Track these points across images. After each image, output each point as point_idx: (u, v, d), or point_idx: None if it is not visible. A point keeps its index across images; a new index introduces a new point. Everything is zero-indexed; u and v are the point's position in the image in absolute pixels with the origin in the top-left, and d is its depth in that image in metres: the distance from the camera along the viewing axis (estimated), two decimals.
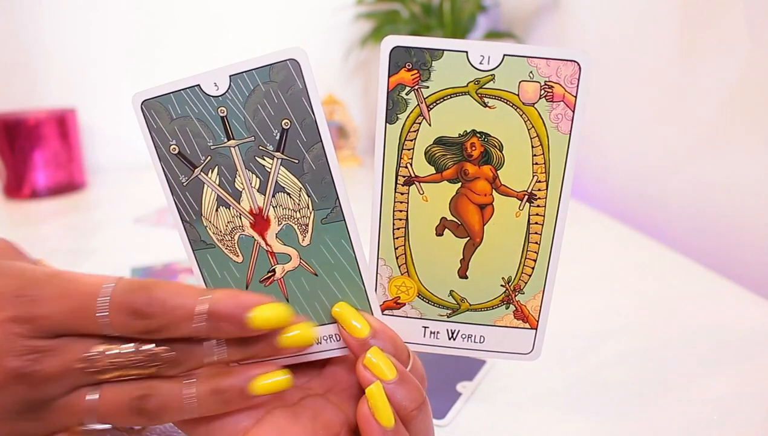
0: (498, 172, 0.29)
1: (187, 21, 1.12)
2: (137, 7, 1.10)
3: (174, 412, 0.26)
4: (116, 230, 0.78)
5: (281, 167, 0.29)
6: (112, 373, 0.26)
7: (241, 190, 0.29)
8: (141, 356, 0.26)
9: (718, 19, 0.66)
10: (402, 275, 0.31)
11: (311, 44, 1.15)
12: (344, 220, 0.29)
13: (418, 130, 0.29)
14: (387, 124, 0.29)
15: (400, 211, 0.30)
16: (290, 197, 0.29)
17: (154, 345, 0.26)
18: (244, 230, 0.30)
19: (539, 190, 0.29)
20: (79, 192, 0.98)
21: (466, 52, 0.28)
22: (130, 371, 0.26)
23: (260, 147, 0.29)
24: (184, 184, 0.29)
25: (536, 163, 0.29)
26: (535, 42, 1.04)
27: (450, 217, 0.30)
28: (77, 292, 0.26)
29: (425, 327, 0.32)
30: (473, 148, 0.29)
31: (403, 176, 0.29)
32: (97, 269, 0.65)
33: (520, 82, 0.28)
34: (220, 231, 0.30)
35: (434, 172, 0.29)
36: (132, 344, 0.26)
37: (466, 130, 0.29)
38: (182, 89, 0.28)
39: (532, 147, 0.29)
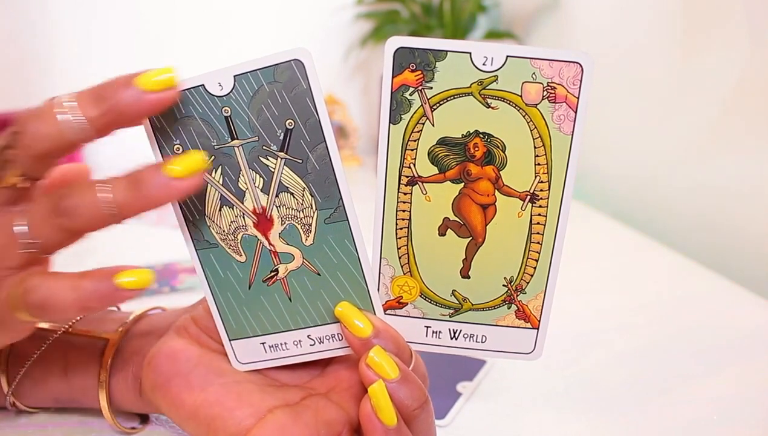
0: (501, 172, 0.29)
1: (188, 21, 1.12)
2: (138, 7, 1.10)
3: (97, 207, 0.26)
4: (116, 230, 0.78)
5: (285, 167, 0.29)
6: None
7: (244, 189, 0.29)
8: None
9: (718, 19, 0.66)
10: (404, 274, 0.31)
11: (311, 44, 1.15)
12: (347, 220, 0.29)
13: (421, 130, 0.29)
14: (390, 124, 0.29)
15: (403, 211, 0.30)
16: (294, 197, 0.29)
17: None
18: (247, 230, 0.30)
19: (541, 190, 0.29)
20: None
21: (470, 53, 0.28)
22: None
23: (264, 147, 0.29)
24: None
25: (538, 164, 0.29)
26: (535, 42, 1.04)
27: (453, 217, 0.30)
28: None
29: (427, 327, 0.32)
30: (476, 149, 0.29)
31: (407, 176, 0.30)
32: None
33: (523, 84, 0.28)
34: (223, 231, 0.30)
35: (437, 172, 0.29)
36: None
37: (469, 131, 0.29)
38: (186, 89, 0.28)
39: (535, 148, 0.29)
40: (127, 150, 1.15)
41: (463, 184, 0.30)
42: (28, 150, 0.26)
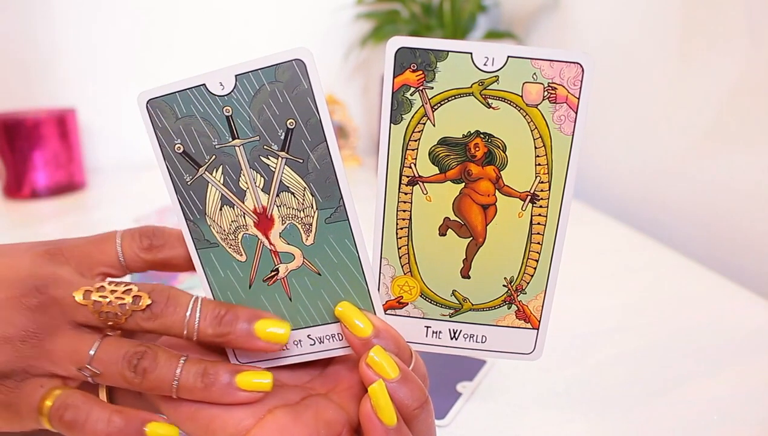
0: (501, 172, 0.29)
1: (188, 20, 1.12)
2: (138, 6, 1.10)
3: (161, 380, 0.28)
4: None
5: (286, 167, 0.29)
6: (95, 312, 0.28)
7: (245, 189, 0.29)
8: (125, 296, 0.28)
9: (718, 19, 0.66)
10: (405, 274, 0.31)
11: (311, 44, 1.15)
12: (348, 219, 0.30)
13: (422, 130, 0.29)
14: (391, 124, 0.29)
15: (404, 211, 0.30)
16: (294, 197, 0.29)
17: (138, 288, 0.29)
18: (247, 229, 0.30)
19: (542, 190, 0.29)
20: (79, 192, 0.98)
21: (471, 53, 0.28)
22: (110, 308, 0.28)
23: (265, 146, 0.29)
24: (189, 183, 0.29)
25: (539, 164, 0.29)
26: (535, 42, 1.04)
27: (453, 217, 0.30)
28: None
29: (428, 327, 0.32)
30: (477, 149, 0.29)
31: (407, 176, 0.30)
32: None
33: (523, 84, 0.28)
34: (224, 230, 0.30)
35: (438, 172, 0.30)
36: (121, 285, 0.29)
37: (469, 131, 0.29)
38: (188, 88, 0.28)
39: (535, 148, 0.29)
40: (128, 149, 1.15)
41: (463, 184, 0.30)
42: (147, 322, 0.29)
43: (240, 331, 0.29)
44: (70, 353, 0.28)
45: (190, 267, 0.31)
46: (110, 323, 0.29)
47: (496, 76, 0.28)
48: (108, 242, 0.31)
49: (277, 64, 0.28)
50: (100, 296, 0.28)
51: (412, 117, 0.29)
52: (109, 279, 0.30)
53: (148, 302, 0.28)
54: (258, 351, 0.30)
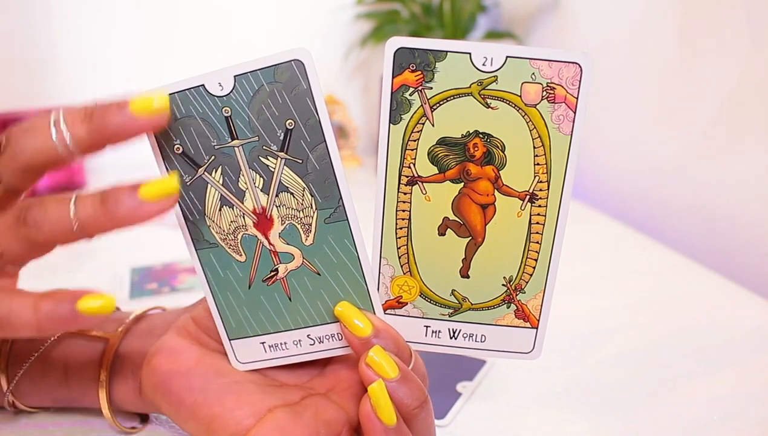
0: (500, 172, 0.29)
1: (188, 21, 1.12)
2: (138, 6, 1.10)
3: (58, 223, 0.26)
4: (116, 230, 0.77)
5: (285, 167, 0.29)
6: None
7: (244, 189, 0.29)
8: None
9: (718, 19, 0.66)
10: (404, 274, 0.31)
11: (311, 44, 1.15)
12: (347, 219, 0.30)
13: (421, 130, 0.29)
14: (390, 124, 0.29)
15: (403, 210, 0.30)
16: (294, 197, 0.29)
17: None
18: (247, 230, 0.30)
19: (541, 190, 0.29)
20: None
21: (470, 53, 0.28)
22: None
23: (264, 147, 0.29)
24: (188, 183, 0.29)
25: (538, 164, 0.29)
26: (535, 42, 1.04)
27: (452, 217, 0.30)
28: None
29: (427, 326, 0.32)
30: (476, 149, 0.29)
31: (406, 176, 0.30)
32: (97, 269, 0.65)
33: (522, 84, 0.28)
34: (223, 230, 0.30)
35: (437, 172, 0.30)
36: None
37: (468, 131, 0.29)
38: (186, 89, 0.28)
39: (534, 148, 0.29)
40: (128, 149, 1.15)
41: (462, 184, 0.30)
42: (13, 162, 0.26)
43: (116, 116, 0.25)
44: None
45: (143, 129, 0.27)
46: None
47: (494, 76, 0.28)
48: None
49: (276, 65, 0.28)
50: None
51: (411, 117, 0.29)
52: None
53: (2, 140, 0.26)
54: (142, 127, 0.26)
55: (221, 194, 0.30)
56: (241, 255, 0.30)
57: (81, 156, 0.26)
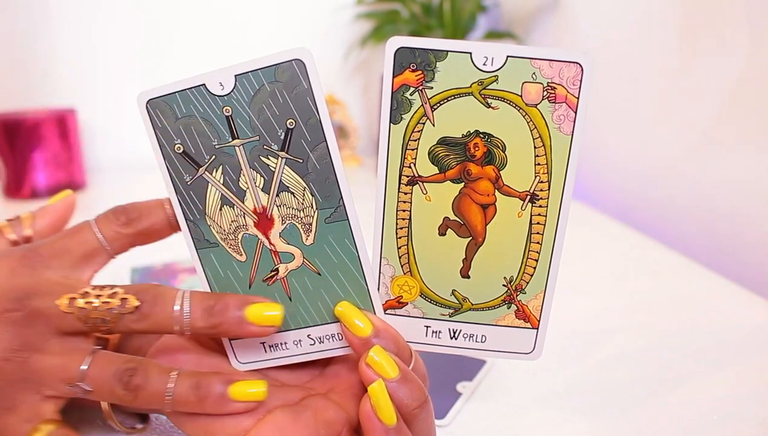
0: (501, 172, 0.29)
1: (188, 20, 1.12)
2: (138, 6, 1.10)
3: (154, 395, 0.27)
4: None
5: (285, 167, 0.29)
6: (82, 318, 0.27)
7: (245, 189, 0.29)
8: (112, 299, 0.28)
9: (717, 19, 0.66)
10: (404, 274, 0.31)
11: (311, 44, 1.15)
12: (348, 219, 0.30)
13: (421, 130, 0.29)
14: (391, 124, 0.29)
15: (404, 210, 0.30)
16: (294, 197, 0.29)
17: (123, 290, 0.28)
18: (247, 229, 0.30)
19: (541, 190, 0.29)
20: (79, 192, 0.98)
21: (470, 53, 0.28)
22: (98, 314, 0.27)
23: (265, 146, 0.29)
24: (189, 183, 0.29)
25: (538, 164, 0.29)
26: (535, 42, 1.04)
27: (453, 217, 0.30)
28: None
29: (427, 326, 0.32)
30: (476, 149, 0.29)
31: (407, 176, 0.30)
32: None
33: (523, 84, 0.28)
34: (224, 230, 0.30)
35: (437, 172, 0.30)
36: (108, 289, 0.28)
37: (469, 131, 0.29)
38: (187, 89, 0.28)
39: (535, 148, 0.29)
40: (128, 149, 1.15)
41: (463, 184, 0.30)
42: (139, 319, 0.28)
43: (232, 319, 0.28)
44: (60, 370, 0.27)
45: (173, 229, 0.31)
46: (99, 329, 0.28)
47: (495, 76, 0.28)
48: (84, 230, 0.30)
49: (276, 64, 0.28)
50: (86, 302, 0.27)
51: (412, 117, 0.29)
52: (93, 283, 0.29)
53: (136, 303, 0.28)
54: (253, 336, 0.29)
55: (222, 194, 0.30)
56: (241, 255, 0.30)
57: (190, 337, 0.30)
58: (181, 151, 0.29)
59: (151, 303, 0.28)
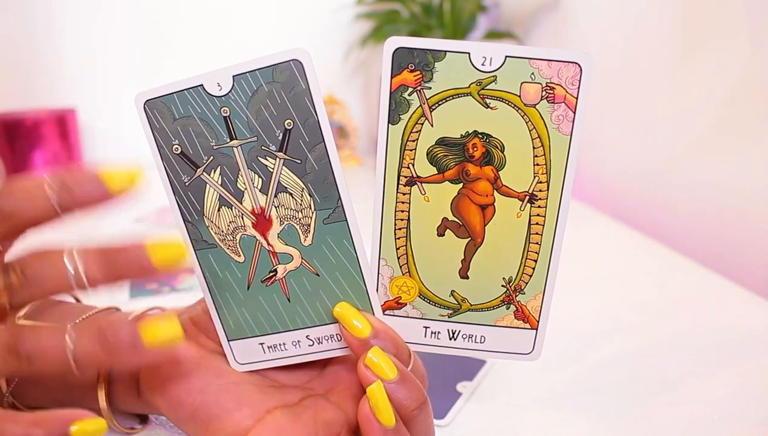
0: (499, 172, 0.29)
1: (187, 21, 1.12)
2: (138, 7, 1.10)
3: (52, 358, 0.25)
4: (116, 230, 0.78)
5: (284, 167, 0.29)
6: None
7: (243, 190, 0.29)
8: None
9: (718, 20, 0.66)
10: (403, 275, 0.31)
11: (311, 44, 1.15)
12: (346, 220, 0.29)
13: (420, 130, 0.29)
14: (389, 124, 0.29)
15: (402, 211, 0.30)
16: (292, 197, 0.29)
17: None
18: (246, 230, 0.30)
19: (540, 190, 0.29)
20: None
21: (469, 53, 0.28)
22: None
23: (263, 147, 0.29)
24: (187, 184, 0.29)
25: (537, 164, 0.29)
26: (535, 42, 1.04)
27: (451, 217, 0.30)
28: None
29: (426, 327, 0.32)
30: (475, 149, 0.29)
31: (405, 177, 0.30)
32: None
33: (521, 84, 0.28)
34: (222, 231, 0.30)
35: (436, 172, 0.29)
36: None
37: (467, 131, 0.29)
38: (185, 89, 0.28)
39: (533, 148, 0.29)
40: (128, 149, 1.15)
41: (461, 184, 0.29)
42: (28, 287, 0.26)
43: (134, 249, 0.26)
44: None
45: (57, 215, 0.27)
46: None
47: (494, 76, 0.28)
48: None
49: (274, 65, 0.28)
50: None
51: (410, 117, 0.29)
52: None
53: (20, 269, 0.26)
54: (156, 275, 0.26)
55: (220, 195, 0.29)
56: (239, 256, 0.30)
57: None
58: (178, 151, 0.29)
59: (34, 259, 0.26)
